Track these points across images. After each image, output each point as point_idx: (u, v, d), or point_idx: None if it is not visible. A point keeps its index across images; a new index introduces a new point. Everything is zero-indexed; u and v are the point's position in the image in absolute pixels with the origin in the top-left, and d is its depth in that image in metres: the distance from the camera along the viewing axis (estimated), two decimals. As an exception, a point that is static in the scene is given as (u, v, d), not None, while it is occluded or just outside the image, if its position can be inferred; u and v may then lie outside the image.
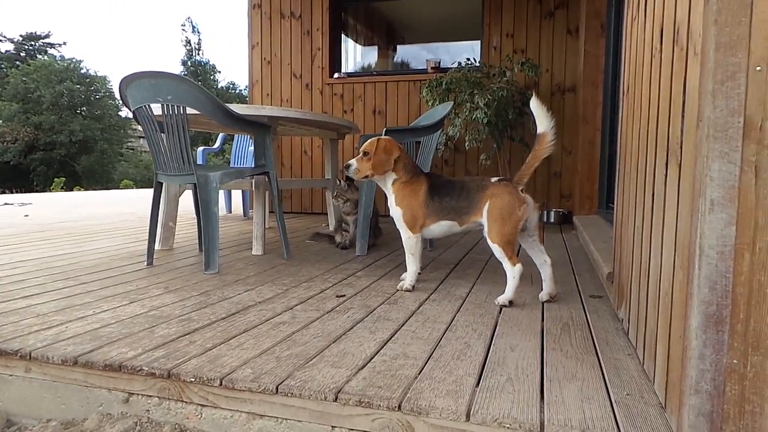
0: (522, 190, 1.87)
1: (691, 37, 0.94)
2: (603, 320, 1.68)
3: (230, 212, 5.70)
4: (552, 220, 4.84)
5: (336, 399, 1.09)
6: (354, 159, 2.10)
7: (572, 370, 1.24)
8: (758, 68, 0.80)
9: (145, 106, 2.36)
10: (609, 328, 1.59)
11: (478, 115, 4.18)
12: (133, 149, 35.61)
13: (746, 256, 0.83)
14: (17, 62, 32.48)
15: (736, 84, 0.81)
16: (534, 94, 1.89)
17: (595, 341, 1.47)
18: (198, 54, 36.49)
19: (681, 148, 0.98)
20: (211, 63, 38.74)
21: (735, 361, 0.83)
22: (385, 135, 3.06)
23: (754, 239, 0.82)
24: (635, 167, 1.48)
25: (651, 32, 1.31)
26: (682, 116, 0.98)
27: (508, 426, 0.99)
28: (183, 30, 44.73)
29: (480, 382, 1.17)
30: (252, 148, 5.08)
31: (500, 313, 1.76)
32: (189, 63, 35.51)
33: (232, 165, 5.33)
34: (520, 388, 1.14)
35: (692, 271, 0.87)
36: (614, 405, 1.06)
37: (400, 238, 2.10)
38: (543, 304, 1.88)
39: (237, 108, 2.61)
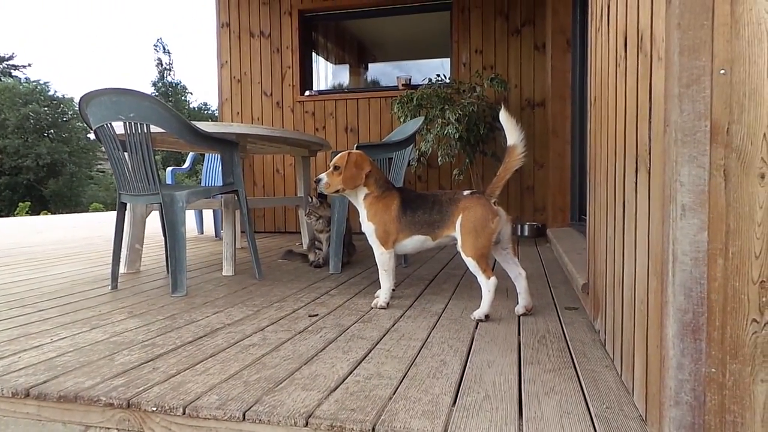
0: (495, 203, 1.85)
1: (655, 42, 0.94)
2: (579, 332, 1.66)
3: (202, 233, 5.58)
4: (526, 233, 4.87)
5: (306, 424, 1.04)
6: (324, 173, 2.07)
7: (550, 385, 1.22)
8: (722, 71, 0.80)
9: (107, 124, 2.28)
10: (586, 340, 1.57)
11: (450, 131, 4.20)
12: (103, 172, 34.91)
13: (719, 261, 0.81)
14: (-20, 85, 31.65)
15: (702, 87, 0.81)
16: (503, 107, 1.89)
17: (573, 354, 1.44)
18: (169, 75, 36.19)
19: (650, 154, 0.97)
20: (182, 84, 38.38)
21: (713, 369, 0.81)
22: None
23: (726, 244, 0.81)
24: (605, 177, 1.47)
25: (615, 41, 1.32)
26: (649, 122, 0.97)
27: (486, 446, 0.95)
28: (155, 50, 44.35)
29: (457, 401, 1.13)
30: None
31: (476, 328, 1.73)
32: (160, 84, 35.16)
33: (203, 184, 5.24)
34: (498, 405, 1.10)
35: (666, 278, 0.85)
36: (594, 419, 1.03)
37: (374, 254, 2.06)
38: (519, 317, 1.86)
39: (204, 126, 2.56)
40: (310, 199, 3.10)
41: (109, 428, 1.15)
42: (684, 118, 0.82)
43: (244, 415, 1.07)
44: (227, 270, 2.86)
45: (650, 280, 0.96)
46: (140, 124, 2.22)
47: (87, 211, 25.07)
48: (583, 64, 4.06)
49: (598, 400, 1.12)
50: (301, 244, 4.26)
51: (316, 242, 3.15)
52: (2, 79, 32.11)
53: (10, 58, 34.20)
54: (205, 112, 36.77)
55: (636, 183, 1.08)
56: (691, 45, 0.81)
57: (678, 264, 0.82)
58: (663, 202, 0.87)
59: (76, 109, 31.84)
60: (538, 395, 1.16)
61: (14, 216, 19.66)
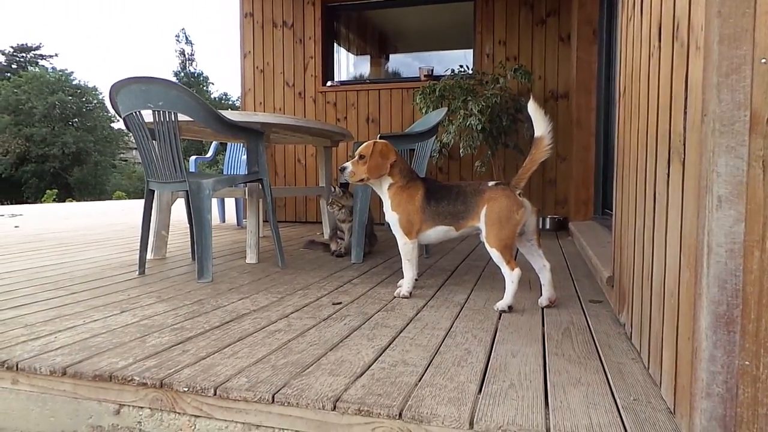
0: (520, 194, 1.85)
1: (692, 31, 0.92)
2: (604, 325, 1.65)
3: (224, 221, 5.65)
4: (548, 226, 4.83)
5: (335, 408, 1.05)
6: (349, 162, 2.08)
7: (576, 376, 1.22)
8: (763, 60, 0.79)
9: (135, 112, 2.33)
10: (611, 333, 1.56)
11: (472, 122, 4.17)
12: (126, 161, 35.53)
13: (756, 254, 0.80)
14: (8, 74, 32.38)
15: (741, 77, 0.80)
16: (532, 98, 1.88)
17: (598, 346, 1.44)
18: (191, 65, 36.51)
19: (684, 145, 0.96)
20: (204, 74, 38.73)
21: (747, 362, 0.81)
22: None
23: (763, 236, 0.80)
24: (634, 168, 1.46)
25: (648, 30, 1.30)
26: (685, 112, 0.96)
27: (513, 433, 0.96)
28: (177, 41, 44.73)
29: (482, 389, 1.14)
30: (245, 156, 5.05)
31: (500, 318, 1.73)
32: (182, 74, 35.52)
33: (225, 173, 5.29)
34: (523, 394, 1.11)
35: (700, 270, 0.84)
36: (621, 410, 1.03)
37: (396, 245, 2.07)
38: (543, 309, 1.85)
39: (230, 114, 2.58)
40: (333, 189, 3.12)
41: (142, 407, 1.19)
42: (722, 108, 0.81)
43: (273, 397, 1.09)
44: (251, 258, 2.90)
45: (682, 272, 0.95)
46: (168, 112, 2.26)
47: (110, 198, 25.55)
48: (610, 56, 3.99)
49: (624, 392, 1.12)
50: (322, 233, 4.29)
51: (338, 231, 3.17)
52: (30, 68, 32.76)
53: (38, 47, 34.89)
54: (226, 102, 37.05)
55: (668, 174, 1.06)
56: (732, 33, 0.80)
57: (713, 256, 0.82)
58: (698, 193, 0.86)
59: (100, 98, 32.54)
60: (563, 385, 1.16)
61: (41, 203, 20.11)
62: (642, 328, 1.31)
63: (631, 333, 1.47)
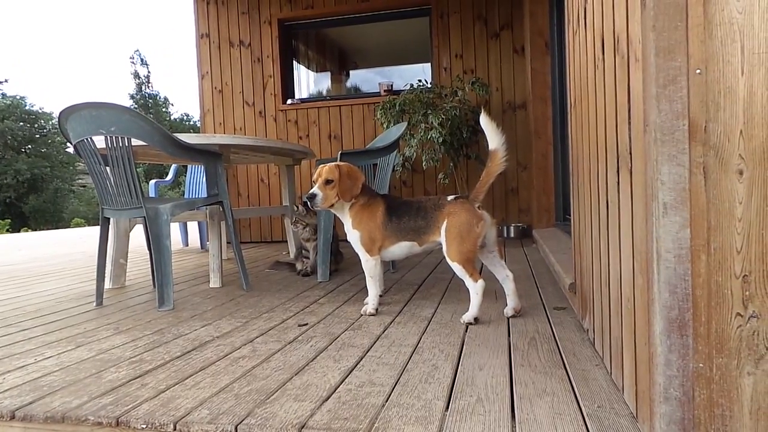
0: (479, 207, 1.86)
1: (631, 44, 0.95)
2: (568, 332, 1.68)
3: (187, 245, 5.52)
4: (512, 234, 4.90)
5: (299, 435, 1.03)
6: (316, 187, 2.02)
7: (542, 386, 1.22)
8: (698, 71, 0.82)
9: (87, 138, 2.26)
10: (575, 339, 1.58)
11: (433, 135, 4.22)
12: (84, 186, 34.47)
13: (702, 258, 0.83)
14: (-45, 102, 31.13)
15: (678, 87, 0.82)
16: (483, 111, 1.91)
17: (563, 354, 1.45)
18: (148, 87, 35.87)
19: (630, 154, 0.99)
20: (162, 96, 38.09)
21: (701, 364, 0.83)
22: (340, 159, 3.04)
23: (708, 240, 0.82)
24: (588, 177, 1.49)
25: (593, 44, 1.34)
26: (629, 122, 0.99)
27: (480, 449, 0.95)
28: (132, 63, 43.89)
29: (450, 405, 1.13)
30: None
31: (466, 331, 1.73)
32: (138, 96, 34.84)
33: (186, 196, 5.19)
34: (490, 408, 1.11)
35: (651, 276, 0.86)
36: (586, 419, 1.04)
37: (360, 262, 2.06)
38: (509, 319, 1.86)
39: (187, 137, 2.54)
40: (296, 208, 3.09)
41: (98, 448, 1.13)
42: (662, 118, 0.83)
43: (236, 428, 1.06)
44: (214, 282, 2.83)
45: (636, 278, 0.97)
46: (121, 137, 2.20)
47: (68, 226, 24.70)
48: (563, 66, 4.11)
49: (589, 400, 1.13)
50: (288, 253, 4.24)
51: (303, 251, 3.14)
52: (-22, 96, 31.58)
53: (-14, 73, 33.62)
54: (187, 123, 36.51)
55: (618, 182, 1.09)
56: (667, 46, 0.83)
57: (662, 261, 0.83)
58: (645, 201, 0.88)
59: (55, 122, 31.53)
60: (530, 397, 1.16)
61: (-6, 234, 19.27)
62: (603, 333, 1.33)
63: (593, 339, 1.49)
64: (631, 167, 0.98)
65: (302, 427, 1.04)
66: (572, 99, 1.79)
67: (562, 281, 2.23)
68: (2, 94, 32.09)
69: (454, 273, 1.87)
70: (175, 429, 1.09)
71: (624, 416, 1.04)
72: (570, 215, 3.87)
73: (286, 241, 4.83)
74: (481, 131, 1.90)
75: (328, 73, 6.30)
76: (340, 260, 3.27)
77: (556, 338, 1.61)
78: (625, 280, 1.06)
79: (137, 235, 3.53)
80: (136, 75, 35.89)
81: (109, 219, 2.50)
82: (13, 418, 1.17)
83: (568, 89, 1.91)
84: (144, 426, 1.10)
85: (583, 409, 1.09)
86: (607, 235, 1.24)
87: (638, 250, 0.95)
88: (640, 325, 0.96)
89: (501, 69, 5.07)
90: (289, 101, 5.52)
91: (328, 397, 1.20)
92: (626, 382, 1.09)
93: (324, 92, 6.07)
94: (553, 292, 2.32)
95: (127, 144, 2.21)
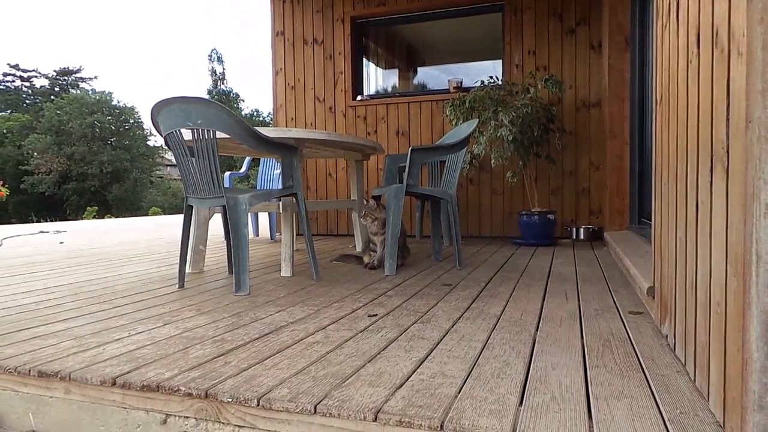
0: None
1: (733, 38, 0.91)
2: (646, 336, 1.62)
3: (257, 235, 5.75)
4: (581, 236, 4.75)
5: (376, 419, 1.06)
6: None
7: (619, 388, 1.20)
8: (810, 66, 0.77)
9: (175, 131, 2.41)
10: (653, 345, 1.53)
11: (503, 133, 4.16)
12: (161, 177, 36.50)
13: (807, 262, 0.78)
14: (52, 97, 33.83)
15: (788, 83, 0.78)
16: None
17: (640, 358, 1.41)
18: (223, 83, 37.40)
19: (728, 152, 0.95)
20: (234, 92, 39.57)
21: (801, 373, 0.78)
22: (411, 154, 3.07)
23: (815, 244, 0.78)
24: (674, 177, 1.43)
25: (685, 37, 1.28)
26: (727, 119, 0.95)
27: (557, 446, 0.95)
28: (209, 60, 45.90)
29: (523, 401, 1.13)
30: (278, 171, 5.15)
31: (537, 330, 1.71)
32: (214, 92, 36.40)
33: (258, 188, 5.39)
34: (565, 406, 1.09)
35: (749, 279, 0.83)
36: (668, 423, 1.01)
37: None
38: (581, 321, 1.82)
39: (264, 131, 2.64)
40: (365, 202, 3.15)
41: (187, 417, 1.22)
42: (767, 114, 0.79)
43: (315, 408, 1.11)
44: (285, 271, 2.94)
45: (729, 281, 0.93)
46: (207, 130, 2.33)
47: (146, 214, 26.26)
48: (644, 63, 3.93)
49: (670, 405, 1.10)
50: (354, 246, 4.32)
51: (371, 244, 3.19)
52: (71, 91, 34.15)
53: (78, 71, 36.37)
54: (257, 118, 37.79)
55: (711, 182, 1.05)
56: (775, 39, 0.79)
57: (762, 264, 0.80)
58: (744, 201, 0.85)
59: (137, 117, 33.61)
60: (606, 398, 1.14)
61: (82, 219, 20.80)
62: (686, 339, 1.28)
63: (674, 344, 1.44)
64: (728, 166, 0.94)
65: (378, 411, 1.08)
66: (658, 96, 1.72)
67: (638, 285, 2.15)
68: (92, 89, 34.55)
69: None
70: (258, 404, 1.15)
71: (709, 424, 1.01)
72: (646, 218, 3.71)
73: (353, 235, 4.92)
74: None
75: (396, 70, 6.34)
76: (407, 255, 3.30)
77: (633, 342, 1.56)
78: (716, 283, 1.02)
79: (213, 225, 3.70)
80: (213, 72, 37.50)
81: (192, 207, 2.65)
82: (114, 384, 1.28)
83: (652, 86, 1.84)
84: (230, 399, 1.18)
85: (663, 413, 1.06)
86: (695, 237, 1.19)
87: (732, 252, 0.91)
88: (731, 331, 0.92)
89: (576, 66, 4.92)
90: (358, 97, 5.61)
91: (401, 385, 1.23)
92: (713, 389, 1.05)
93: (391, 89, 6.12)
94: (627, 295, 2.24)
95: (211, 136, 2.33)
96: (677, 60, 1.39)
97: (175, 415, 1.23)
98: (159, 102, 2.39)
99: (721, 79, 0.98)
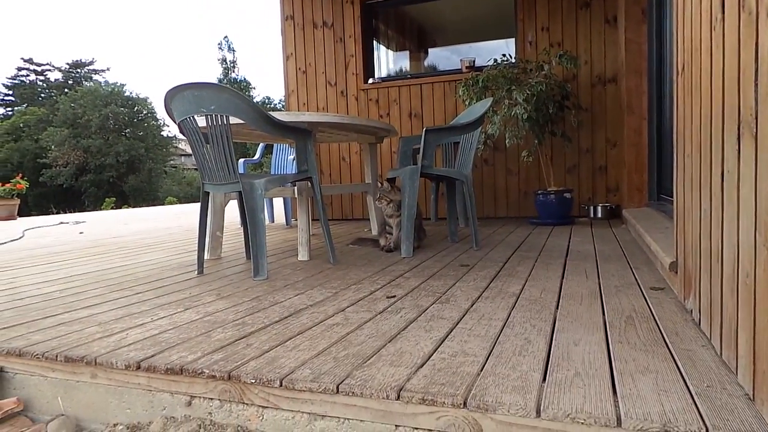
0: None
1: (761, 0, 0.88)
2: (669, 312, 1.60)
3: (273, 221, 5.77)
4: (599, 215, 4.70)
5: (398, 397, 1.06)
6: None
7: (643, 363, 1.18)
8: None
9: (189, 117, 2.41)
10: (677, 320, 1.51)
11: (518, 111, 4.10)
12: (176, 167, 36.80)
13: (843, 229, 0.76)
14: (66, 89, 34.15)
15: (821, 42, 0.75)
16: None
17: (664, 333, 1.39)
18: (234, 71, 37.39)
19: (756, 118, 0.92)
20: (246, 80, 39.56)
21: (836, 342, 0.76)
22: (425, 135, 3.04)
23: None
24: (698, 148, 1.40)
25: (709, 3, 1.24)
26: (756, 84, 0.91)
27: (583, 421, 0.94)
28: (219, 49, 45.83)
29: (546, 377, 1.12)
30: (291, 157, 5.14)
31: (557, 308, 1.70)
32: (225, 81, 36.45)
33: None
34: (589, 382, 1.08)
35: (780, 248, 0.80)
36: (695, 397, 0.99)
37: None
38: (602, 298, 1.80)
39: (277, 115, 2.63)
40: (379, 184, 3.13)
41: (212, 398, 1.23)
42: (800, 76, 0.76)
43: (337, 387, 1.11)
44: (302, 255, 2.95)
45: (758, 250, 0.91)
46: (220, 116, 2.32)
47: (162, 204, 26.54)
48: (662, 36, 3.83)
49: (697, 379, 1.08)
50: (369, 230, 4.32)
51: (386, 227, 3.19)
52: (85, 83, 34.42)
53: (91, 63, 36.63)
54: (269, 105, 37.78)
55: (739, 150, 1.02)
56: (808, -3, 0.75)
57: (794, 232, 0.77)
58: (775, 168, 0.82)
59: (151, 107, 33.83)
60: (631, 373, 1.13)
61: (101, 210, 21.10)
62: (712, 312, 1.26)
63: (699, 319, 1.41)
64: (756, 132, 0.91)
65: (401, 389, 1.08)
66: (680, 66, 1.67)
67: (659, 260, 2.12)
68: (105, 81, 34.78)
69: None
70: (281, 385, 1.16)
71: (738, 397, 0.99)
72: (666, 194, 3.64)
73: (368, 219, 4.92)
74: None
75: (407, 52, 6.27)
76: (423, 237, 3.29)
77: (656, 318, 1.54)
78: (744, 254, 0.99)
79: (229, 212, 3.73)
80: (224, 60, 37.49)
81: (209, 193, 2.66)
82: (138, 368, 1.30)
83: (674, 56, 1.79)
84: (253, 381, 1.19)
85: (690, 387, 1.04)
86: (721, 208, 1.16)
87: (762, 221, 0.89)
88: (761, 302, 0.90)
89: (591, 41, 4.81)
90: (370, 80, 5.57)
91: (423, 364, 1.23)
92: (741, 362, 1.03)
93: (403, 71, 6.06)
94: (649, 272, 2.21)
95: (225, 122, 2.33)
96: (700, 27, 1.35)
97: (199, 397, 1.25)
98: (172, 89, 2.39)
99: (749, 42, 0.94)
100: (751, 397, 0.97)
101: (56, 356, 1.39)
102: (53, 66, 36.08)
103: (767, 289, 0.86)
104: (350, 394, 1.10)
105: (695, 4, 1.40)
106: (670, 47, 1.80)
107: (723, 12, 1.12)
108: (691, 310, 1.52)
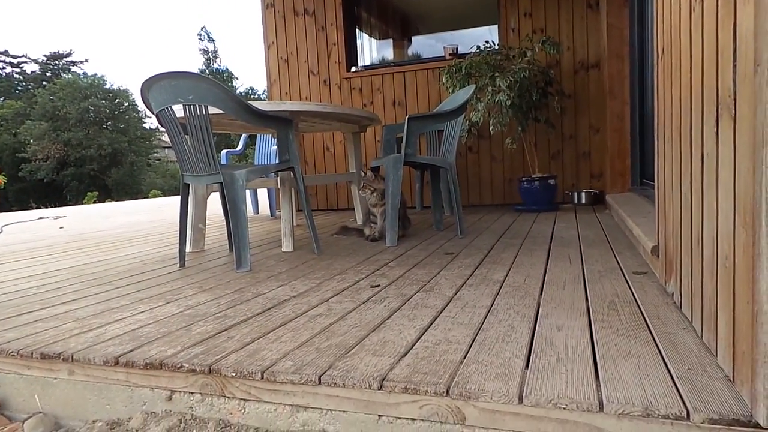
0: None
1: (741, -22, 0.87)
2: (651, 296, 1.61)
3: (257, 213, 5.73)
4: (583, 200, 4.73)
5: (381, 387, 1.05)
6: None
7: (626, 348, 1.18)
8: (823, 2, 0.73)
9: (167, 108, 2.36)
10: (659, 303, 1.52)
11: (501, 98, 4.09)
12: (159, 159, 36.32)
13: (820, 209, 0.76)
14: (44, 82, 33.44)
15: (799, 21, 0.75)
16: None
17: (646, 317, 1.40)
18: (215, 62, 36.89)
19: (735, 99, 0.91)
20: (228, 70, 39.05)
21: (814, 323, 0.77)
22: (408, 123, 3.02)
23: (827, 190, 0.75)
24: (678, 131, 1.40)
25: (689, -15, 1.23)
26: (734, 65, 0.91)
27: (565, 406, 0.94)
28: (200, 39, 45.14)
29: (529, 364, 1.12)
30: (274, 148, 5.09)
31: (541, 294, 1.70)
32: (207, 71, 35.94)
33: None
34: (572, 367, 1.08)
35: (758, 229, 0.80)
36: (676, 380, 1.00)
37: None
38: (585, 283, 1.81)
39: (258, 105, 2.59)
40: (363, 173, 3.11)
41: (192, 392, 1.21)
42: (778, 56, 0.76)
43: (319, 379, 1.10)
44: (286, 246, 2.93)
45: (737, 232, 0.91)
46: (199, 106, 2.28)
47: (147, 197, 26.23)
48: (643, 20, 3.84)
49: (678, 363, 1.08)
50: (355, 220, 4.30)
51: (371, 216, 3.17)
52: (63, 75, 33.72)
53: (69, 54, 35.84)
54: (253, 96, 37.38)
55: (717, 132, 1.01)
56: (786, -25, 0.75)
57: (772, 213, 0.77)
58: (754, 148, 0.81)
59: (131, 99, 33.29)
60: (613, 358, 1.13)
61: (83, 204, 20.80)
62: (693, 295, 1.26)
63: (680, 302, 1.42)
64: (735, 114, 0.91)
65: (383, 379, 1.07)
66: (659, 49, 1.67)
67: (641, 245, 2.13)
68: (84, 73, 34.10)
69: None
70: (262, 377, 1.14)
71: (718, 379, 0.99)
72: (648, 179, 3.67)
73: (353, 209, 4.90)
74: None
75: (390, 41, 6.22)
76: (408, 226, 3.28)
77: (638, 302, 1.55)
78: (723, 236, 0.99)
79: (212, 203, 3.68)
80: (205, 51, 36.96)
81: (188, 185, 2.62)
82: (117, 363, 1.27)
83: (653, 40, 1.78)
84: (234, 374, 1.17)
85: (671, 371, 1.04)
86: (701, 191, 1.16)
87: (741, 203, 0.89)
88: (740, 283, 0.90)
89: (573, 26, 4.81)
90: (353, 69, 5.52)
91: (406, 353, 1.22)
92: (721, 344, 1.03)
93: (386, 59, 6.01)
94: (631, 257, 2.23)
95: (204, 112, 2.29)
96: (679, 9, 1.34)
97: (180, 391, 1.23)
98: (149, 78, 2.33)
99: (727, 23, 0.94)
100: (731, 379, 0.97)
101: (32, 353, 1.36)
102: (29, 58, 35.34)
103: (746, 271, 0.86)
104: (332, 385, 1.09)
105: (675, -14, 1.39)
106: (652, 32, 1.79)
107: (702, -7, 1.11)
108: (673, 294, 1.53)
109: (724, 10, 0.96)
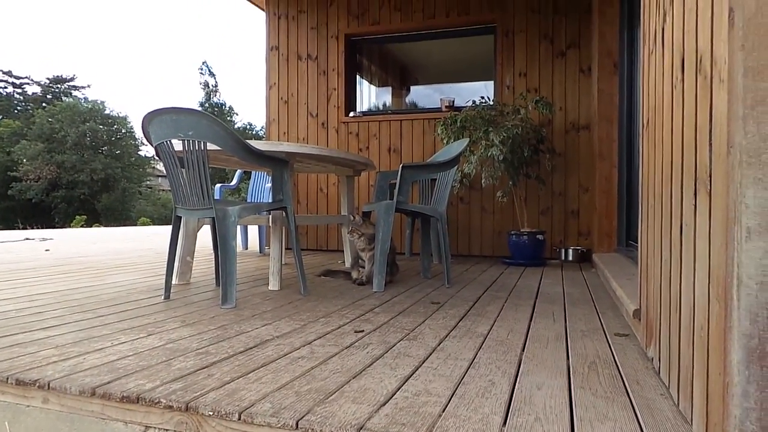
0: None
1: (716, 64, 0.93)
2: (631, 359, 1.62)
3: (246, 248, 5.72)
4: (570, 258, 4.78)
5: (358, 436, 1.05)
6: None
7: (603, 411, 1.19)
8: (790, 94, 0.79)
9: (166, 141, 2.40)
10: (638, 367, 1.53)
11: (494, 152, 4.19)
12: (151, 188, 36.30)
13: (787, 287, 0.79)
14: (44, 104, 33.69)
15: (767, 109, 0.80)
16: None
17: (625, 381, 1.41)
18: (215, 96, 37.46)
19: (710, 176, 0.96)
20: (228, 105, 39.65)
21: (781, 397, 0.79)
22: (402, 171, 3.09)
23: (794, 269, 0.79)
24: (660, 200, 1.45)
25: (671, 63, 1.31)
26: (710, 144, 0.96)
27: (539, 466, 0.94)
28: (201, 73, 45.95)
29: (507, 421, 1.12)
30: (268, 185, 5.15)
31: (523, 350, 1.71)
32: (207, 105, 36.43)
33: (248, 201, 5.38)
34: (549, 428, 1.09)
35: (730, 303, 0.84)
36: (650, 446, 1.01)
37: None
38: (567, 342, 1.83)
39: (256, 144, 2.65)
40: (352, 217, 3.15)
41: (167, 430, 1.20)
42: (749, 140, 0.81)
43: (297, 423, 1.10)
44: (273, 284, 2.92)
45: (711, 304, 0.94)
46: (198, 141, 2.33)
47: (135, 224, 26.05)
48: (632, 87, 4.00)
49: (654, 429, 1.10)
50: (343, 262, 4.31)
51: (359, 260, 3.19)
52: (65, 99, 34.03)
53: (72, 79, 36.29)
54: (250, 131, 37.79)
55: (695, 205, 1.06)
56: (756, 66, 0.81)
57: (743, 288, 0.81)
58: (726, 225, 0.86)
59: (129, 126, 33.54)
60: (590, 420, 1.14)
61: (70, 227, 20.58)
62: (671, 362, 1.28)
63: (659, 368, 1.44)
64: (711, 190, 0.96)
65: (361, 428, 1.07)
66: (645, 119, 1.75)
67: (624, 307, 2.16)
68: (85, 98, 34.46)
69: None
70: (239, 418, 1.14)
71: (692, 448, 1.01)
72: (634, 240, 3.74)
73: (341, 250, 4.91)
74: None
75: (389, 88, 6.40)
76: (396, 272, 3.29)
77: (618, 364, 1.56)
78: (699, 306, 1.03)
79: (202, 236, 3.69)
80: (206, 85, 37.58)
81: (180, 218, 2.64)
82: (93, 394, 1.26)
83: (640, 109, 1.87)
84: (211, 413, 1.16)
85: (647, 436, 1.05)
86: (680, 260, 1.20)
87: (715, 275, 0.93)
88: (714, 355, 0.93)
89: (565, 88, 4.99)
90: (351, 114, 5.65)
91: (386, 402, 1.22)
92: (696, 413, 1.05)
93: (384, 107, 6.17)
94: (614, 317, 2.25)
95: (202, 148, 2.33)
96: (663, 85, 1.42)
97: (154, 428, 1.21)
98: (151, 112, 2.39)
99: (705, 104, 1.00)
100: (704, 448, 0.99)
101: (7, 378, 1.34)
102: (32, 80, 35.66)
103: (719, 342, 0.89)
104: (310, 430, 1.09)
105: (659, 64, 1.48)
106: (640, 100, 1.88)
107: (683, 73, 1.19)
108: (652, 359, 1.55)
109: (702, 92, 1.03)
